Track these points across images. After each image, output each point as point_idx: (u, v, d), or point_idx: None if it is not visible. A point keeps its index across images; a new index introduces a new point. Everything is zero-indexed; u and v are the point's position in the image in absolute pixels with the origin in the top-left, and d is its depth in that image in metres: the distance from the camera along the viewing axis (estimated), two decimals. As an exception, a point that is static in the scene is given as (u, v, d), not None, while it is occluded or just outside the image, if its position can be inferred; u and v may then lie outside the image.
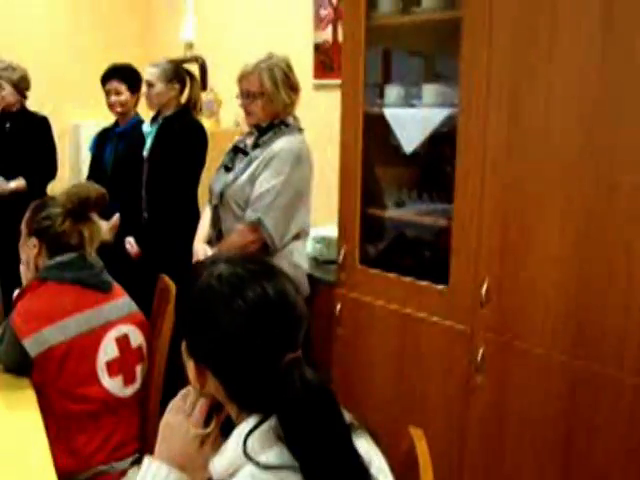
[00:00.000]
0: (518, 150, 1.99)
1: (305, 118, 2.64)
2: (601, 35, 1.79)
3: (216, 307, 0.97)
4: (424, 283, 2.31)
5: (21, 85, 3.64)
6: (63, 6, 4.87)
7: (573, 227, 1.89)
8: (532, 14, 1.92)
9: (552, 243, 1.93)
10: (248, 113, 2.56)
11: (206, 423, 1.06)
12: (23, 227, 1.99)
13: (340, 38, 2.98)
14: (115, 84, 3.30)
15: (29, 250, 1.96)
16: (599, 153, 1.82)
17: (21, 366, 1.83)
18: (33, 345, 1.79)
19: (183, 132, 3.02)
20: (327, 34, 3.47)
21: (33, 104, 3.79)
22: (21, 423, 1.68)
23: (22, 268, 2.02)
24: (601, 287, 1.84)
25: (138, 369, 1.98)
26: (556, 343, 1.94)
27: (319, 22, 3.52)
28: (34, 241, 1.95)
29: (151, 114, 3.17)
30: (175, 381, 1.29)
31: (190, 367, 1.03)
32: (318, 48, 3.53)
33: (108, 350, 1.90)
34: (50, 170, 3.70)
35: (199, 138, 3.04)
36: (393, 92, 2.47)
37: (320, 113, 3.21)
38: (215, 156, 2.90)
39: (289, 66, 2.54)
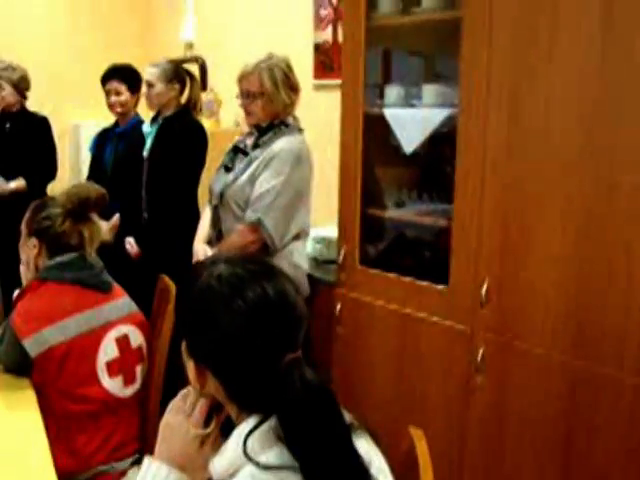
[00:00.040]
0: (518, 150, 1.99)
1: (305, 118, 2.64)
2: (601, 35, 1.79)
3: (216, 307, 0.97)
4: (424, 283, 2.31)
5: (21, 85, 3.64)
6: (63, 6, 4.87)
7: (573, 227, 1.89)
8: (532, 14, 1.92)
9: (552, 243, 1.93)
10: (248, 113, 2.56)
11: (206, 423, 1.06)
12: (23, 227, 1.99)
13: (340, 38, 2.98)
14: (115, 84, 3.30)
15: (29, 250, 1.97)
16: (599, 153, 1.82)
17: (21, 366, 1.83)
18: (33, 345, 1.79)
19: (183, 132, 3.02)
20: (327, 34, 3.47)
21: (33, 104, 3.79)
22: (21, 423, 1.68)
23: (22, 268, 2.02)
24: (601, 287, 1.84)
25: (138, 369, 1.98)
26: (556, 343, 1.94)
27: (319, 22, 3.52)
28: (34, 241, 1.95)
29: (151, 114, 3.17)
30: (175, 381, 1.29)
31: (190, 367, 1.03)
32: (318, 48, 3.53)
33: (108, 350, 1.90)
34: (50, 170, 3.70)
35: (199, 138, 3.04)
36: (393, 92, 2.47)
37: (320, 113, 3.21)
38: (215, 156, 2.90)
39: (289, 66, 2.54)
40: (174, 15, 4.72)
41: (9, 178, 3.57)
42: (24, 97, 3.70)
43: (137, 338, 1.99)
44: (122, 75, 3.32)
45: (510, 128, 2.00)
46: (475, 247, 2.12)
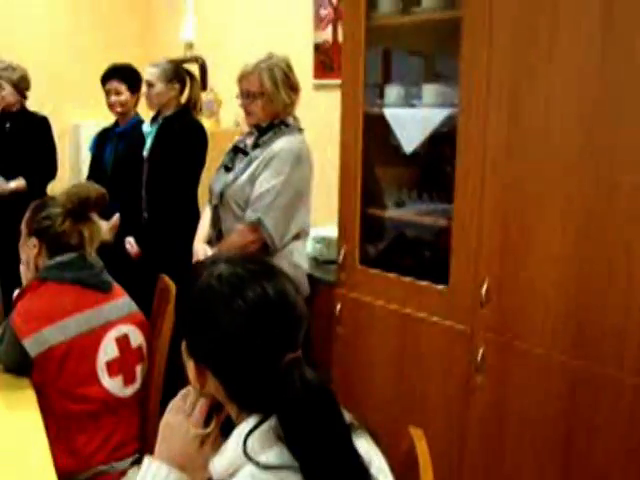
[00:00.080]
0: (518, 150, 1.99)
1: (305, 118, 2.64)
2: (601, 35, 1.79)
3: (216, 307, 0.97)
4: (424, 283, 2.31)
5: (21, 85, 3.64)
6: (63, 6, 4.87)
7: (573, 227, 1.89)
8: (532, 14, 1.92)
9: (552, 243, 1.93)
10: (248, 113, 2.56)
11: (206, 423, 1.06)
12: (23, 227, 1.99)
13: (340, 38, 2.98)
14: (115, 84, 3.30)
15: (29, 250, 1.97)
16: (599, 153, 1.82)
17: (21, 366, 1.83)
18: (33, 345, 1.79)
19: (183, 132, 3.02)
20: (327, 34, 3.47)
21: (33, 104, 3.79)
22: (21, 423, 1.68)
23: (22, 268, 2.02)
24: (601, 287, 1.84)
25: (138, 369, 1.98)
26: (556, 343, 1.94)
27: (319, 22, 3.52)
28: (34, 241, 1.95)
29: (151, 114, 3.17)
30: (175, 381, 1.29)
31: (190, 367, 1.03)
32: (318, 48, 3.53)
33: (108, 350, 1.90)
34: (50, 170, 3.70)
35: (199, 138, 3.04)
36: (393, 92, 2.47)
37: (320, 113, 3.21)
38: (215, 156, 2.90)
39: (289, 66, 2.54)
40: (174, 15, 4.72)
41: (9, 178, 3.57)
42: (24, 97, 3.70)
43: (137, 338, 1.99)
44: (122, 75, 3.32)
45: (510, 128, 2.00)
46: (475, 247, 2.12)
